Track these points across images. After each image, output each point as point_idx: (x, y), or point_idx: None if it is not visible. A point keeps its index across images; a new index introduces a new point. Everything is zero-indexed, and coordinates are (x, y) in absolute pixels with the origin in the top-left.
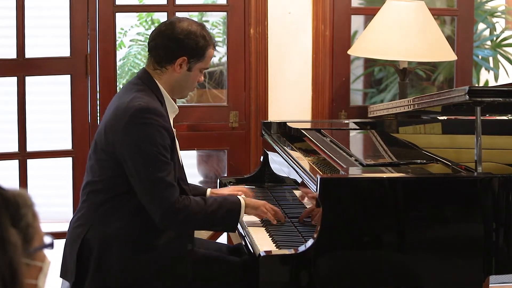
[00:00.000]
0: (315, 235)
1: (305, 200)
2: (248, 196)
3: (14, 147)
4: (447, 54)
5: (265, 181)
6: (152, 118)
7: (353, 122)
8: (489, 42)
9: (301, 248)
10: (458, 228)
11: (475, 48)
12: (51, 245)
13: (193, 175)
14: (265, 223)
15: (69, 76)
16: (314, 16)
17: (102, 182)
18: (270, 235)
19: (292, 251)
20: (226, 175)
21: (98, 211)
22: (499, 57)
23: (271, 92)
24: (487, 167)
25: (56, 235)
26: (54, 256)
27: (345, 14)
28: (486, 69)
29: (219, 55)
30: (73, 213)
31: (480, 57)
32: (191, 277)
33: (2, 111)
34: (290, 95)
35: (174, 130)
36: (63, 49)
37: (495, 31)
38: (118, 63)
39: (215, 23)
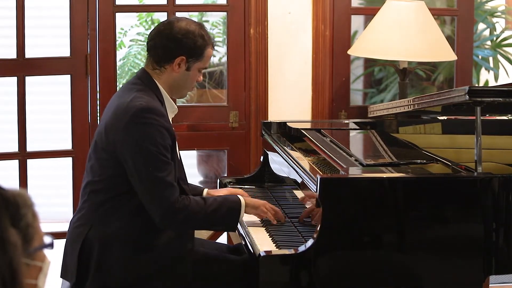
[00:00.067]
0: (315, 235)
1: (305, 200)
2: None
3: (14, 147)
4: (447, 54)
5: (265, 181)
6: (153, 118)
7: (353, 122)
8: (489, 42)
9: (301, 248)
10: (458, 228)
11: (475, 48)
12: (51, 245)
13: (193, 175)
14: (265, 223)
15: (69, 76)
16: (314, 16)
17: (102, 182)
18: (270, 235)
19: (292, 251)
20: (226, 175)
21: (99, 211)
22: (499, 57)
23: (271, 92)
24: (487, 167)
25: (56, 235)
26: (54, 256)
27: (345, 14)
28: (486, 69)
29: (219, 55)
30: (73, 213)
31: (480, 57)
32: (191, 277)
33: (2, 111)
34: (290, 95)
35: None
36: (63, 49)
37: (495, 31)
38: (118, 63)
39: (215, 23)
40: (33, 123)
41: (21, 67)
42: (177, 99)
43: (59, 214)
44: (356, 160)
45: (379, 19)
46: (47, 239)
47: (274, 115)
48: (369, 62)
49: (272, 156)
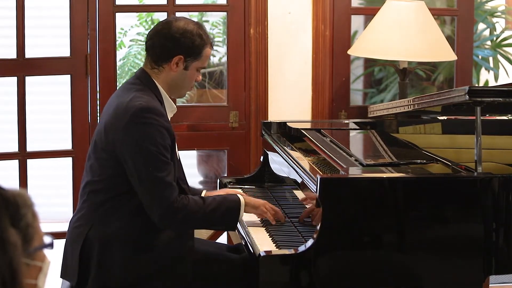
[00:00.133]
0: (315, 235)
1: (305, 200)
2: None
3: (14, 147)
4: (447, 54)
5: (265, 181)
6: (153, 118)
7: (353, 122)
8: (489, 42)
9: (301, 248)
10: (458, 228)
11: (475, 48)
12: (51, 245)
13: (193, 175)
14: (265, 223)
15: (69, 76)
16: (314, 16)
17: (102, 182)
18: (270, 235)
19: (292, 251)
20: (226, 175)
21: (99, 211)
22: (499, 57)
23: (271, 92)
24: (487, 167)
25: (56, 235)
26: (54, 256)
27: (345, 14)
28: (486, 69)
29: (219, 55)
30: (73, 213)
31: (480, 57)
32: (191, 276)
33: (2, 111)
34: (290, 95)
35: None
36: (63, 49)
37: (495, 31)
38: (118, 63)
39: (215, 23)
40: (33, 123)
41: (21, 67)
42: (177, 99)
43: (59, 214)
44: (356, 160)
45: (379, 19)
46: (47, 239)
47: (274, 115)
48: (369, 62)
49: (272, 156)
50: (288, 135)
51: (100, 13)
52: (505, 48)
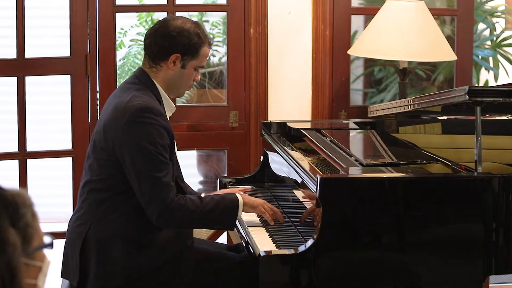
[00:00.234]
0: (315, 235)
1: (305, 200)
2: None
3: (14, 147)
4: (447, 54)
5: (265, 181)
6: (152, 118)
7: (353, 122)
8: (489, 42)
9: (301, 248)
10: (458, 228)
11: (475, 48)
12: (50, 245)
13: (193, 175)
14: (265, 223)
15: (69, 76)
16: (314, 16)
17: (101, 181)
18: (270, 235)
19: (292, 251)
20: (226, 175)
21: (98, 209)
22: (499, 57)
23: (271, 92)
24: (487, 167)
25: (56, 235)
26: (54, 256)
27: (345, 14)
28: (486, 69)
29: (219, 55)
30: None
31: (480, 57)
32: (190, 275)
33: (2, 111)
34: (290, 95)
35: None
36: (63, 49)
37: (495, 31)
38: (118, 63)
39: (215, 23)
40: (33, 123)
41: (21, 67)
42: (176, 99)
43: (59, 214)
44: (356, 160)
45: (379, 19)
46: (46, 239)
47: (274, 115)
48: (369, 62)
49: (272, 156)
50: (288, 135)
51: (100, 13)
52: (505, 48)
